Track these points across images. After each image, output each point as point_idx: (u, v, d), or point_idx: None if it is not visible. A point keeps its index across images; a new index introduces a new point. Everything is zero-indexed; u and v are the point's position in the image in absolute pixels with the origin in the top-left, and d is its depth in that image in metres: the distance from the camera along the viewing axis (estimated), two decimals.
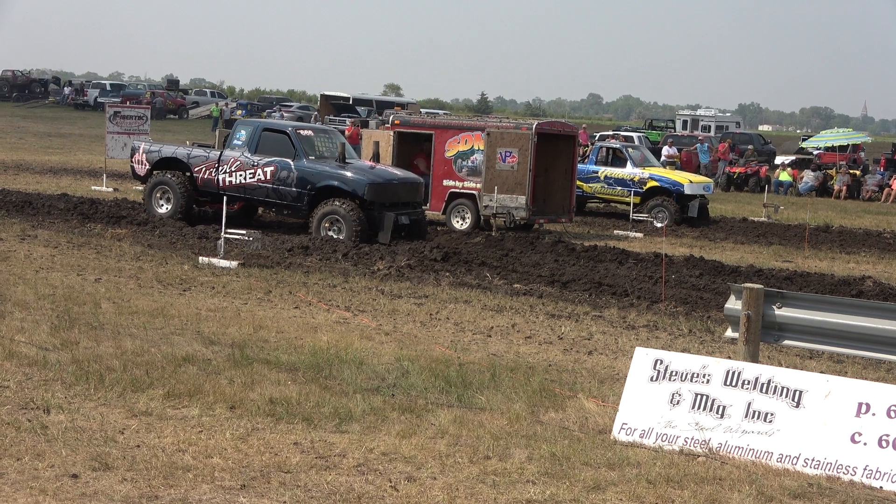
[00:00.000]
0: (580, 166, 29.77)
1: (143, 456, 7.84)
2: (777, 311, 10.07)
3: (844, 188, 46.06)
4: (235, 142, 22.63)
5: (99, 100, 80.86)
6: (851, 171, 48.43)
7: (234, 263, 17.56)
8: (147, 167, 23.62)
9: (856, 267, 22.93)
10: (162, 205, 23.08)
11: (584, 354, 12.72)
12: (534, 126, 25.84)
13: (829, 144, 56.70)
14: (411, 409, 9.43)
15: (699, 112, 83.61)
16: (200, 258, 17.91)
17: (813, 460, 8.37)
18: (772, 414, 8.69)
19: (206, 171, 22.70)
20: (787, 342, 10.27)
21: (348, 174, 21.51)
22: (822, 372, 10.97)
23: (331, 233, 20.96)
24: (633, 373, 9.35)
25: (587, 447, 8.62)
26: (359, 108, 71.75)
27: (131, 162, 24.34)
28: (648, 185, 30.30)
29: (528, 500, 7.41)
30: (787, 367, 10.80)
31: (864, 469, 8.19)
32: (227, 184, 22.36)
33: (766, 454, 8.52)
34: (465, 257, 19.85)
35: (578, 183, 28.99)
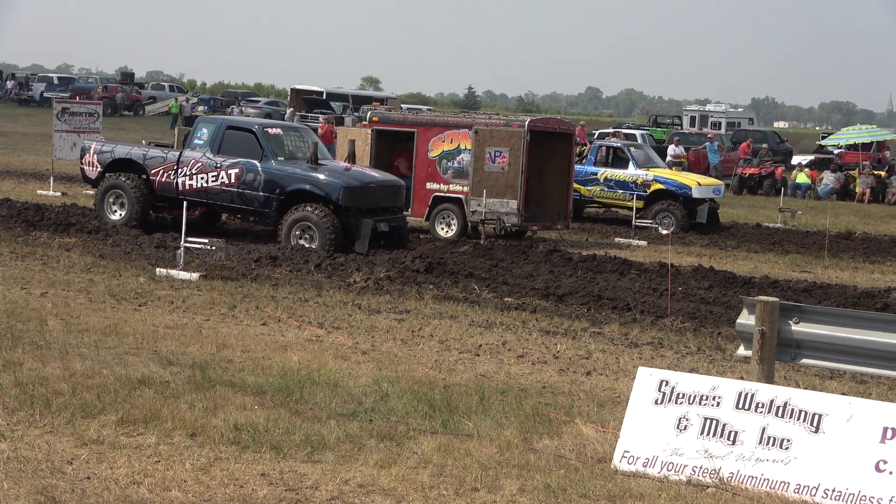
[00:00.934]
0: (577, 167, 29.84)
1: (94, 489, 7.83)
2: (794, 327, 10.10)
3: (868, 191, 46.28)
4: (196, 141, 22.64)
5: (45, 95, 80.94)
6: (876, 172, 48.64)
7: (194, 275, 17.54)
8: (99, 170, 23.66)
9: (881, 278, 23.02)
10: (115, 211, 23.10)
11: (581, 375, 12.74)
12: (526, 123, 25.83)
13: (852, 143, 56.96)
14: (391, 437, 9.44)
15: (708, 107, 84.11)
16: (158, 270, 17.89)
17: (833, 491, 8.38)
18: (788, 440, 8.71)
19: (163, 173, 22.73)
20: (805, 361, 10.29)
21: (321, 177, 21.54)
22: (843, 393, 11.00)
23: (302, 241, 20.99)
24: (636, 395, 9.37)
25: (585, 477, 8.64)
26: (333, 104, 71.88)
27: (81, 164, 24.36)
28: (653, 187, 30.35)
29: None
30: (804, 388, 10.84)
31: (891, 500, 8.20)
32: (187, 188, 22.40)
33: (783, 484, 8.54)
34: (450, 268, 19.87)
35: (576, 186, 29.06)
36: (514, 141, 25.26)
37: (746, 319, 10.33)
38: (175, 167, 22.57)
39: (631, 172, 30.66)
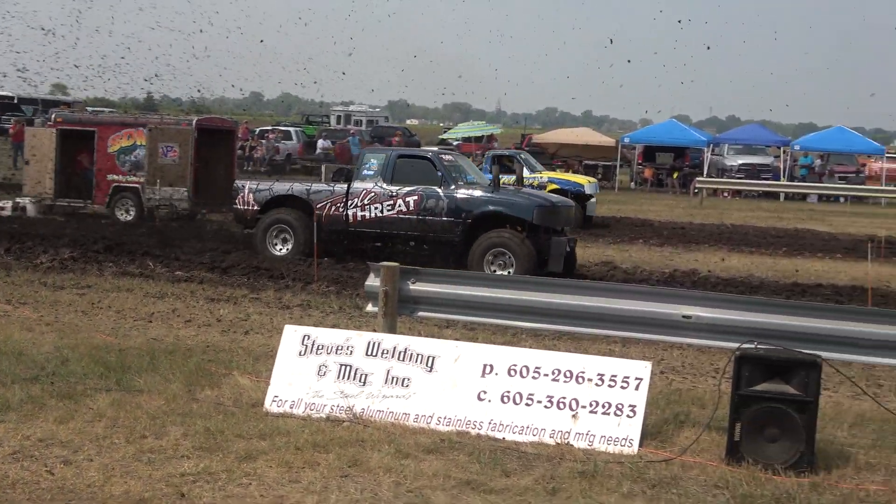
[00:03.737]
0: None
1: None
2: (412, 286, 10.28)
3: None
4: (366, 172, 19.24)
5: None
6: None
7: None
8: (256, 208, 19.94)
9: None
10: (276, 245, 19.58)
11: (241, 334, 12.60)
12: (194, 122, 25.53)
13: (467, 135, 58.93)
14: (70, 396, 9.05)
15: (351, 108, 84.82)
16: None
17: (445, 418, 8.62)
18: (408, 379, 8.89)
19: (330, 206, 19.24)
20: (421, 314, 10.50)
21: (512, 199, 18.46)
22: (457, 340, 11.30)
23: (494, 267, 17.58)
24: (283, 349, 9.34)
25: (240, 420, 8.54)
26: (24, 107, 68.60)
27: (235, 205, 20.45)
28: (549, 187, 28.18)
29: (181, 474, 7.25)
30: (425, 336, 11.07)
31: (489, 423, 8.51)
32: (359, 218, 19.01)
33: (404, 416, 8.70)
34: (128, 248, 19.26)
35: None
36: (184, 137, 24.88)
37: (373, 282, 10.43)
38: (344, 199, 19.37)
39: (528, 176, 28.00)
